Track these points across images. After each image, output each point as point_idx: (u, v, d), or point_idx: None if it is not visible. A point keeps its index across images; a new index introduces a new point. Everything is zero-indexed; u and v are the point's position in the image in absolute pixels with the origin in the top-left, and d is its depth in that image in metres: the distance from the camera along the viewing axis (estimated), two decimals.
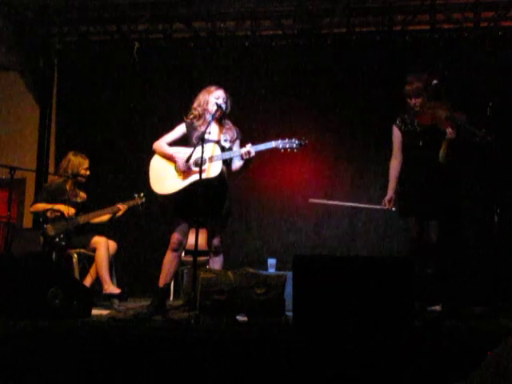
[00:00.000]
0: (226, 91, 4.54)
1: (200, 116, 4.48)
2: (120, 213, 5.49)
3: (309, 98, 6.68)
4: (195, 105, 4.52)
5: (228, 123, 4.54)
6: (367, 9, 6.61)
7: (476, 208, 5.93)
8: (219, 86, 4.56)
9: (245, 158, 4.33)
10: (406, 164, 4.62)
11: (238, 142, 4.51)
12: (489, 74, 6.16)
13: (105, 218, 5.53)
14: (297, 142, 4.32)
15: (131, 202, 5.53)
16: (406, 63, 6.26)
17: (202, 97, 4.51)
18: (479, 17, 6.46)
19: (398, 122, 4.64)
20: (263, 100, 6.69)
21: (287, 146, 4.31)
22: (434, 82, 4.46)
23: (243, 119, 4.61)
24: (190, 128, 4.48)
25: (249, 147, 4.30)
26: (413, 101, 4.51)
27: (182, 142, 4.52)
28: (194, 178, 4.31)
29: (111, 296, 5.16)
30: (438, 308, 4.49)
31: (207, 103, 4.46)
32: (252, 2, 6.61)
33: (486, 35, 6.46)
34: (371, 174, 6.48)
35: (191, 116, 4.52)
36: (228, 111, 4.53)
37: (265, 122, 6.48)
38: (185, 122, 4.53)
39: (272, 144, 4.33)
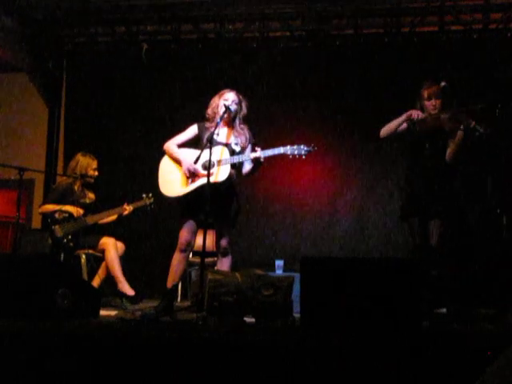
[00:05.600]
0: (239, 94, 4.53)
1: (211, 119, 4.50)
2: (126, 212, 5.51)
3: (316, 100, 6.68)
4: (208, 109, 4.54)
5: (243, 128, 4.52)
6: (375, 10, 6.61)
7: (483, 209, 5.90)
8: (231, 89, 4.55)
9: (254, 161, 4.35)
10: (411, 166, 4.62)
11: (249, 147, 4.49)
12: (497, 75, 6.14)
13: (112, 218, 5.56)
14: (305, 148, 4.32)
15: (139, 203, 5.54)
16: (414, 65, 6.25)
17: (213, 100, 4.53)
18: (488, 18, 6.45)
19: (412, 121, 4.50)
20: (271, 101, 6.68)
21: (295, 152, 4.32)
22: (443, 83, 4.46)
23: (250, 121, 4.61)
24: (203, 129, 4.49)
25: (259, 152, 4.32)
26: (433, 102, 4.48)
27: (194, 143, 4.52)
28: (202, 181, 4.31)
29: (124, 296, 5.18)
30: (444, 310, 4.48)
31: (217, 106, 4.47)
32: (260, 3, 6.62)
33: (495, 37, 6.44)
34: (379, 176, 6.47)
35: (205, 119, 4.54)
36: (242, 114, 4.52)
37: (272, 124, 6.48)
38: (197, 123, 4.55)
39: (281, 150, 4.33)
